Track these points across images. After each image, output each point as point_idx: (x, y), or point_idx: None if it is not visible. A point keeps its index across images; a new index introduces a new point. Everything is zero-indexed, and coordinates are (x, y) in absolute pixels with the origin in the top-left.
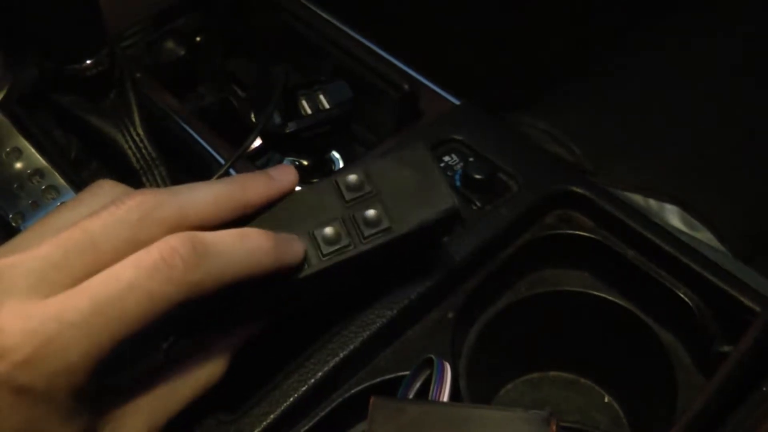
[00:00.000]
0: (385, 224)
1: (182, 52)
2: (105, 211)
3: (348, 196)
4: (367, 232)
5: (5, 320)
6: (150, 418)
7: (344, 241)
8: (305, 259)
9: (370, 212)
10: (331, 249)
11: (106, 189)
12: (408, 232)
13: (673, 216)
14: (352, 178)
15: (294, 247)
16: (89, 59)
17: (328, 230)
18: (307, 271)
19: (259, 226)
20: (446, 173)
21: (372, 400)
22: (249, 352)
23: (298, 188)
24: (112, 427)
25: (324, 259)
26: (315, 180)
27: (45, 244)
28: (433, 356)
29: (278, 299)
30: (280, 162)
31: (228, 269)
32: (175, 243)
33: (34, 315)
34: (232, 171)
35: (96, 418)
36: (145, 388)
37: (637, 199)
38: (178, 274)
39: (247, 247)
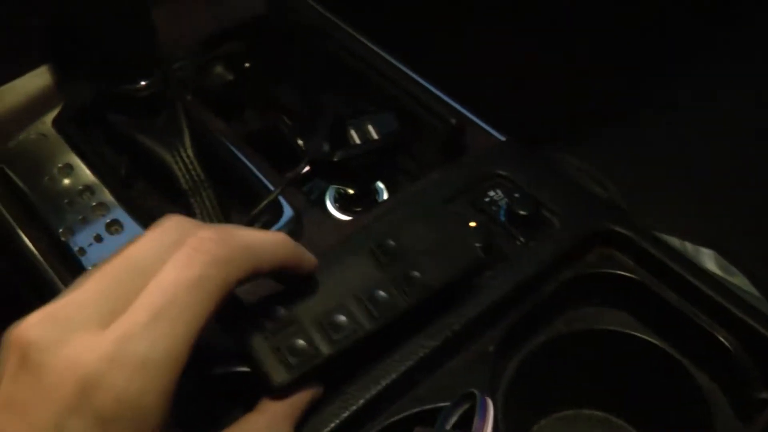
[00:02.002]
0: (422, 281)
1: (230, 77)
2: (145, 237)
3: (384, 260)
4: (409, 291)
5: (78, 353)
6: None
7: (392, 300)
8: (358, 323)
9: (414, 273)
10: (381, 310)
11: (171, 223)
12: (443, 286)
13: (708, 260)
14: (390, 244)
15: (309, 254)
16: (143, 80)
17: (380, 293)
18: (359, 334)
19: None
20: (491, 207)
21: (416, 431)
22: None
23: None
24: None
25: (380, 320)
26: (359, 209)
27: (92, 277)
28: (475, 390)
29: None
30: (325, 189)
31: (258, 250)
32: (202, 233)
33: (103, 342)
34: (281, 197)
35: None
36: None
37: (674, 241)
38: (212, 255)
39: (270, 236)
